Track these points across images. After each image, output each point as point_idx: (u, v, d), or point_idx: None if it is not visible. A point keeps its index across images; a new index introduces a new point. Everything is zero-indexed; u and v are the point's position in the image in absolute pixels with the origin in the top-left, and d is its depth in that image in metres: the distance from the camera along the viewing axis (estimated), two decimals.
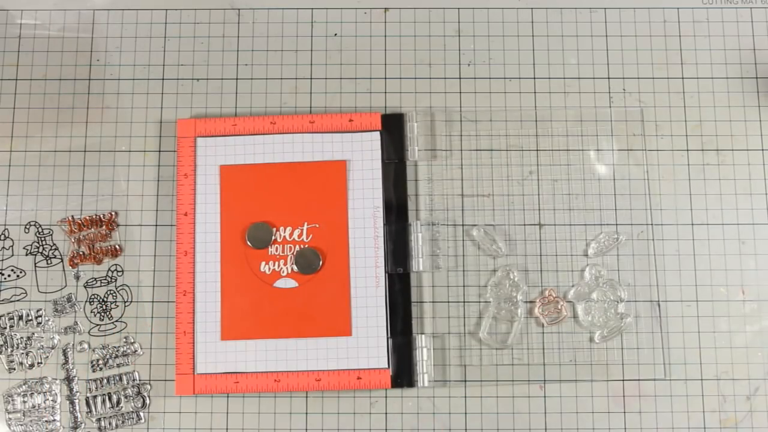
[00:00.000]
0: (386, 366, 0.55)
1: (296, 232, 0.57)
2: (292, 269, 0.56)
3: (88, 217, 0.58)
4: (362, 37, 0.60)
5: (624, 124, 0.59)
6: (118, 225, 0.58)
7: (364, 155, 0.57)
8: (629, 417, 0.55)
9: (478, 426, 0.55)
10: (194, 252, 0.56)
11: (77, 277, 0.57)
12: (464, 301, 0.57)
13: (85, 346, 0.56)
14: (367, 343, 0.56)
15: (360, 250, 0.56)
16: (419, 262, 0.56)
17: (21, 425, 0.55)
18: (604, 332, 0.56)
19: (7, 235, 0.58)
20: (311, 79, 0.60)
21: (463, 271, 0.57)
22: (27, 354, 0.56)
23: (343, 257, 0.56)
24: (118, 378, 0.56)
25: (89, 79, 0.60)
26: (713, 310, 0.56)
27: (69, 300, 0.57)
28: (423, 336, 0.56)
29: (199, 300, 0.56)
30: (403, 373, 0.55)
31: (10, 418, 0.55)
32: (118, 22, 0.61)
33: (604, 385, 0.55)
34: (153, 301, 0.57)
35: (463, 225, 0.57)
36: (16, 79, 0.60)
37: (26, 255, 0.57)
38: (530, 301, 0.57)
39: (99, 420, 0.55)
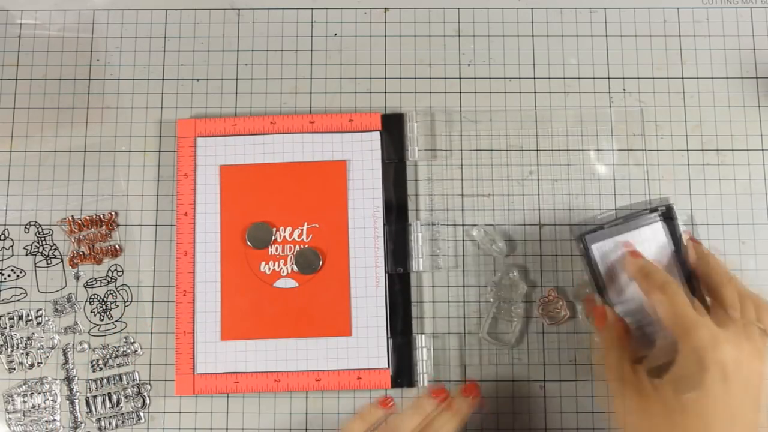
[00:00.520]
0: (386, 366, 0.55)
1: (296, 232, 0.57)
2: (292, 269, 0.56)
3: (88, 217, 0.58)
4: (362, 37, 0.60)
5: (624, 124, 0.59)
6: (118, 225, 0.58)
7: (364, 155, 0.57)
8: None
9: (478, 426, 0.55)
10: (194, 252, 0.56)
11: (77, 277, 0.57)
12: (464, 301, 0.57)
13: (85, 346, 0.56)
14: (367, 343, 0.56)
15: (360, 250, 0.56)
16: (419, 262, 0.56)
17: (21, 425, 0.55)
18: None
19: (7, 235, 0.58)
20: (311, 79, 0.60)
21: (463, 271, 0.57)
22: (27, 354, 0.56)
23: (343, 257, 0.56)
24: (118, 378, 0.56)
25: (89, 79, 0.60)
26: None
27: (69, 300, 0.57)
28: (423, 336, 0.56)
29: (199, 300, 0.56)
30: (403, 373, 0.55)
31: (10, 418, 0.55)
32: (118, 22, 0.61)
33: (605, 385, 0.55)
34: (153, 301, 0.57)
35: (463, 225, 0.57)
36: (16, 79, 0.60)
37: (26, 255, 0.57)
38: (530, 301, 0.57)
39: (99, 420, 0.55)
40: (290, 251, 0.56)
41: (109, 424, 0.55)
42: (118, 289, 0.57)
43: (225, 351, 0.55)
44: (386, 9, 0.61)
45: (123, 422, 0.55)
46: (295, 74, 0.60)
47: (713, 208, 0.58)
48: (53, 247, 0.57)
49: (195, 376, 0.55)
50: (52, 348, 0.56)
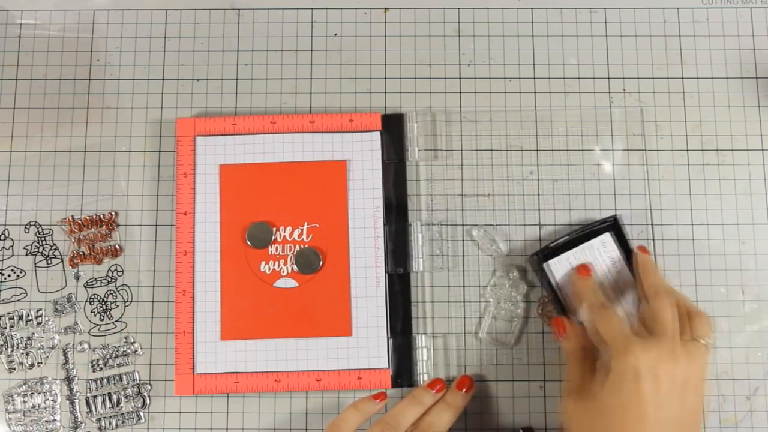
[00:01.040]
0: (386, 366, 0.55)
1: (296, 232, 0.57)
2: (292, 269, 0.56)
3: (88, 217, 0.58)
4: (362, 37, 0.60)
5: (624, 124, 0.59)
6: (118, 225, 0.58)
7: (364, 155, 0.57)
8: None
9: (478, 426, 0.55)
10: (194, 252, 0.56)
11: (77, 277, 0.57)
12: (464, 301, 0.57)
13: (85, 346, 0.56)
14: (368, 343, 0.56)
15: (360, 250, 0.56)
16: (419, 262, 0.56)
17: (21, 425, 0.55)
18: None
19: (7, 235, 0.58)
20: (311, 79, 0.60)
21: (463, 271, 0.57)
22: (27, 354, 0.56)
23: (343, 257, 0.56)
24: (118, 378, 0.56)
25: (89, 79, 0.60)
26: (713, 310, 0.56)
27: (69, 300, 0.57)
28: (423, 336, 0.56)
29: (199, 300, 0.56)
30: (403, 373, 0.55)
31: (10, 418, 0.55)
32: (118, 22, 0.61)
33: None
34: (153, 301, 0.57)
35: (463, 225, 0.57)
36: (16, 79, 0.60)
37: (26, 255, 0.57)
38: (530, 301, 0.57)
39: (99, 420, 0.55)
40: (290, 251, 0.56)
41: (109, 424, 0.55)
42: (118, 289, 0.57)
43: (225, 351, 0.55)
44: (386, 9, 0.61)
45: (123, 422, 0.55)
46: (295, 74, 0.60)
47: (713, 208, 0.58)
48: (53, 247, 0.57)
49: (195, 376, 0.55)
50: (52, 348, 0.56)
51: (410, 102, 0.59)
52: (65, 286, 0.57)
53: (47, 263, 0.57)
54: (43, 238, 0.57)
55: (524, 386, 0.56)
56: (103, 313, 0.57)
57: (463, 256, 0.57)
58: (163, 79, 0.60)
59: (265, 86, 0.59)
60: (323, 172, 0.57)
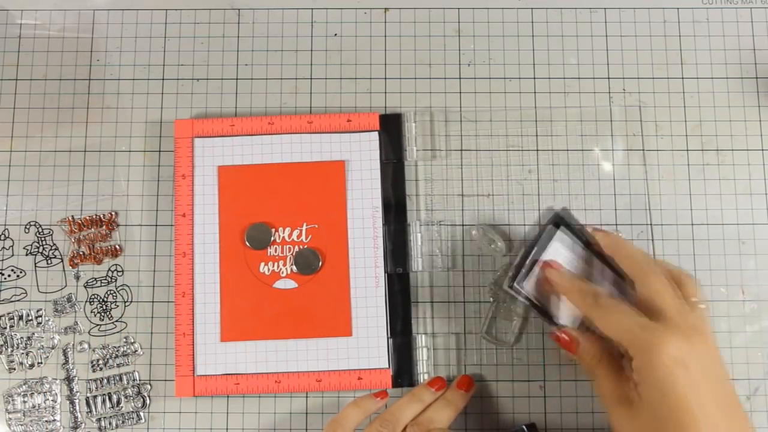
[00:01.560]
0: (387, 366, 0.55)
1: (295, 233, 0.57)
2: (291, 270, 0.56)
3: (88, 217, 0.58)
4: (362, 37, 0.60)
5: (624, 124, 0.59)
6: (118, 225, 0.58)
7: (362, 155, 0.57)
8: None
9: (479, 426, 0.55)
10: (193, 253, 0.56)
11: (77, 277, 0.57)
12: (464, 301, 0.57)
13: (85, 346, 0.56)
14: (368, 344, 0.56)
15: (359, 250, 0.56)
16: (419, 262, 0.56)
17: (21, 425, 0.55)
18: None
19: (7, 235, 0.58)
20: (311, 79, 0.60)
21: (463, 271, 0.57)
22: (27, 354, 0.56)
23: (343, 258, 0.56)
24: (118, 378, 0.56)
25: (89, 79, 0.60)
26: (713, 310, 0.56)
27: (69, 300, 0.57)
28: (423, 336, 0.56)
29: (199, 301, 0.56)
30: (403, 373, 0.55)
31: (10, 418, 0.55)
32: (118, 22, 0.61)
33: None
34: (153, 301, 0.57)
35: (462, 225, 0.57)
36: (16, 79, 0.60)
37: (26, 255, 0.57)
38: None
39: (99, 420, 0.55)
40: (289, 252, 0.56)
41: (109, 424, 0.55)
42: (118, 289, 0.57)
43: (225, 352, 0.55)
44: (386, 9, 0.61)
45: (123, 422, 0.55)
46: (295, 74, 0.60)
47: (713, 208, 0.58)
48: (53, 247, 0.57)
49: (195, 377, 0.55)
50: (52, 348, 0.56)
51: (410, 102, 0.59)
52: (65, 286, 0.57)
53: (47, 263, 0.57)
54: (43, 238, 0.57)
55: (524, 386, 0.56)
56: (103, 313, 0.57)
57: (463, 256, 0.57)
58: (163, 79, 0.60)
59: (265, 86, 0.59)
60: (322, 172, 0.57)
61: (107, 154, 0.59)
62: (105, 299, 0.57)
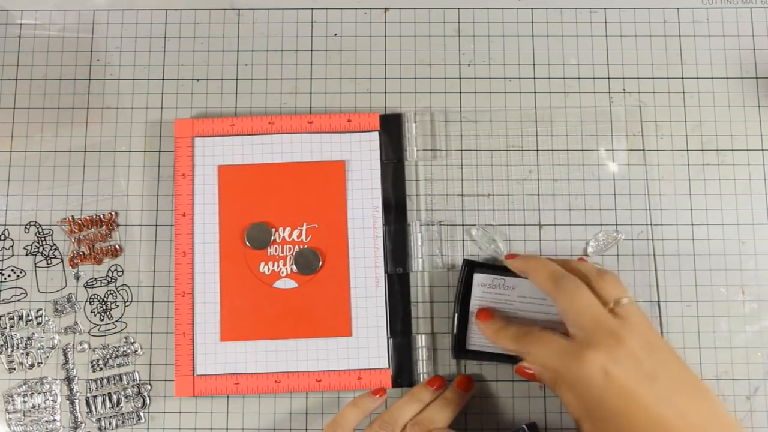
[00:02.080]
0: (387, 366, 0.55)
1: (295, 233, 0.57)
2: (291, 270, 0.56)
3: (88, 217, 0.58)
4: (362, 37, 0.60)
5: (624, 124, 0.59)
6: (118, 225, 0.58)
7: (362, 155, 0.57)
8: None
9: (479, 426, 0.55)
10: (193, 253, 0.56)
11: (77, 277, 0.57)
12: None
13: (85, 346, 0.56)
14: (368, 344, 0.56)
15: (359, 250, 0.56)
16: (419, 262, 0.56)
17: (21, 425, 0.55)
18: None
19: (7, 235, 0.58)
20: (311, 79, 0.60)
21: None
22: (27, 354, 0.56)
23: (343, 257, 0.56)
24: (118, 378, 0.56)
25: (89, 79, 0.60)
26: (713, 310, 0.56)
27: (69, 300, 0.57)
28: (423, 336, 0.56)
29: (198, 301, 0.56)
30: (403, 373, 0.55)
31: (10, 418, 0.55)
32: (118, 22, 0.61)
33: None
34: (153, 301, 0.57)
35: (462, 225, 0.57)
36: (16, 79, 0.60)
37: (26, 255, 0.57)
38: None
39: (99, 420, 0.55)
40: (289, 252, 0.56)
41: (109, 424, 0.55)
42: (118, 289, 0.57)
43: (225, 352, 0.55)
44: (386, 9, 0.61)
45: (123, 422, 0.55)
46: (295, 74, 0.60)
47: (713, 208, 0.58)
48: (53, 247, 0.57)
49: (195, 377, 0.55)
50: (52, 348, 0.56)
51: (410, 102, 0.59)
52: (65, 286, 0.57)
53: (47, 263, 0.57)
54: (43, 238, 0.57)
55: (524, 386, 0.56)
56: (103, 313, 0.57)
57: (463, 256, 0.57)
58: (163, 79, 0.60)
59: (265, 86, 0.59)
60: (322, 172, 0.57)
61: (107, 154, 0.59)
62: (105, 299, 0.57)
